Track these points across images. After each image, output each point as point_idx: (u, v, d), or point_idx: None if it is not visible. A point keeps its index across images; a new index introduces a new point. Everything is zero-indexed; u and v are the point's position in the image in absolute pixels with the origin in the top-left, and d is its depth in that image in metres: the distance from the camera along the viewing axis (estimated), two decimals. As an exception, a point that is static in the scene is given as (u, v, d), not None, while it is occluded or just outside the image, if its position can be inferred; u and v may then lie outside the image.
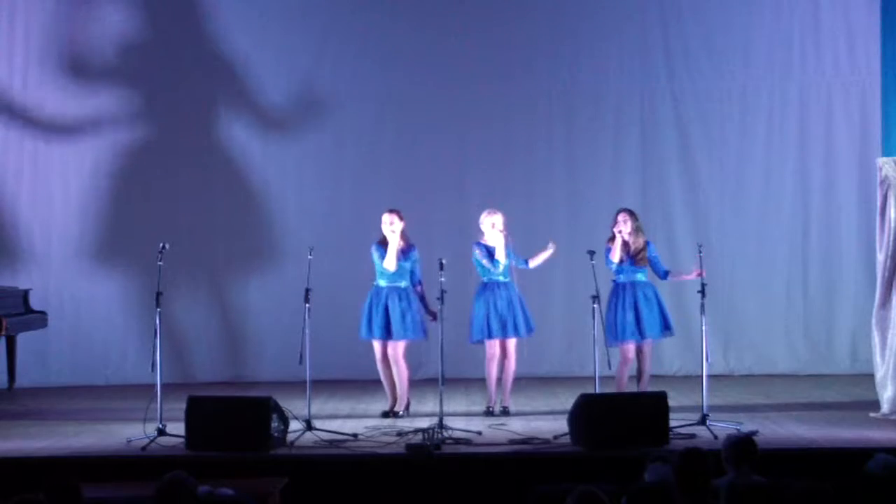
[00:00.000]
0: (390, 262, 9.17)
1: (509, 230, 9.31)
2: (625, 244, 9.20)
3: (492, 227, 9.28)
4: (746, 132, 11.81)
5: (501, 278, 9.31)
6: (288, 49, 11.80)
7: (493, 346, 9.34)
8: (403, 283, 9.25)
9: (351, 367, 10.88)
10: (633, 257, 9.21)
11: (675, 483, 5.31)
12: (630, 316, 9.12)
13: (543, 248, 9.37)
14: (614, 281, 9.26)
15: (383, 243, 9.24)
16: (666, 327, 9.27)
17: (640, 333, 9.13)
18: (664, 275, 9.32)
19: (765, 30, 11.80)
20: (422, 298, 9.34)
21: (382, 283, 9.25)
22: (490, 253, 9.29)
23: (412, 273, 9.29)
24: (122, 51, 11.79)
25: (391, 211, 9.27)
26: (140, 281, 11.29)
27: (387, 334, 9.18)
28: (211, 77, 11.79)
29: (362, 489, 7.44)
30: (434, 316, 9.15)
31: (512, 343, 9.35)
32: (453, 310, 8.92)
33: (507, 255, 9.28)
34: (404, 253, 9.21)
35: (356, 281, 9.95)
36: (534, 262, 9.42)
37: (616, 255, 9.17)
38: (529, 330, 9.39)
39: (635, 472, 5.92)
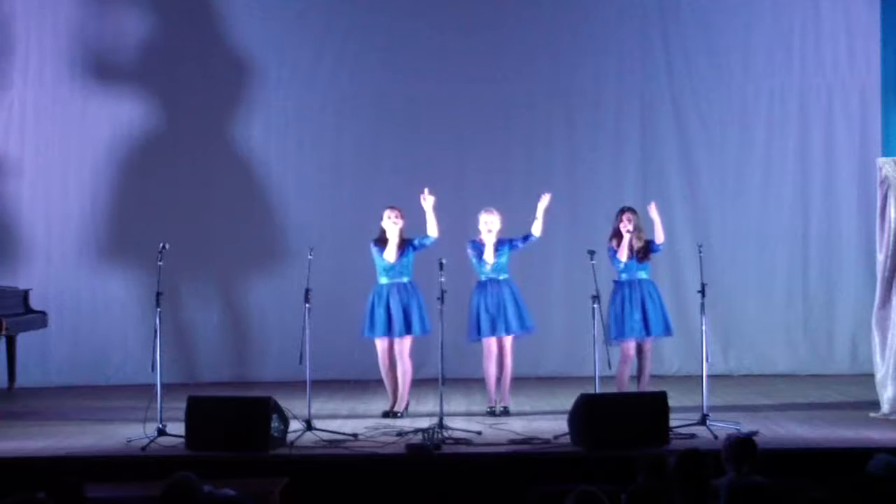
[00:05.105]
0: (390, 254, 9.17)
1: (508, 229, 9.31)
2: (630, 243, 9.23)
3: (484, 226, 9.28)
4: (746, 132, 11.80)
5: (497, 276, 9.29)
6: (289, 49, 11.81)
7: (490, 345, 9.32)
8: (405, 279, 9.25)
9: (351, 367, 10.91)
10: (637, 255, 9.23)
11: (672, 483, 5.31)
12: (637, 314, 9.14)
13: (537, 212, 9.27)
14: (616, 280, 9.27)
15: (380, 241, 9.25)
16: (667, 328, 9.30)
17: (647, 331, 9.16)
18: (657, 248, 9.34)
19: (765, 30, 11.79)
20: None
21: (384, 280, 9.25)
22: (480, 252, 9.29)
23: (412, 241, 9.25)
24: (124, 50, 11.79)
25: (393, 207, 9.29)
26: (141, 281, 11.30)
27: (389, 332, 9.19)
28: (212, 77, 11.78)
29: (362, 489, 7.43)
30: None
31: (508, 341, 9.33)
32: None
33: (504, 252, 9.27)
34: (401, 249, 9.22)
35: (356, 281, 9.95)
36: (537, 227, 9.28)
37: (624, 254, 9.20)
38: (525, 327, 9.33)
39: (635, 472, 5.90)
